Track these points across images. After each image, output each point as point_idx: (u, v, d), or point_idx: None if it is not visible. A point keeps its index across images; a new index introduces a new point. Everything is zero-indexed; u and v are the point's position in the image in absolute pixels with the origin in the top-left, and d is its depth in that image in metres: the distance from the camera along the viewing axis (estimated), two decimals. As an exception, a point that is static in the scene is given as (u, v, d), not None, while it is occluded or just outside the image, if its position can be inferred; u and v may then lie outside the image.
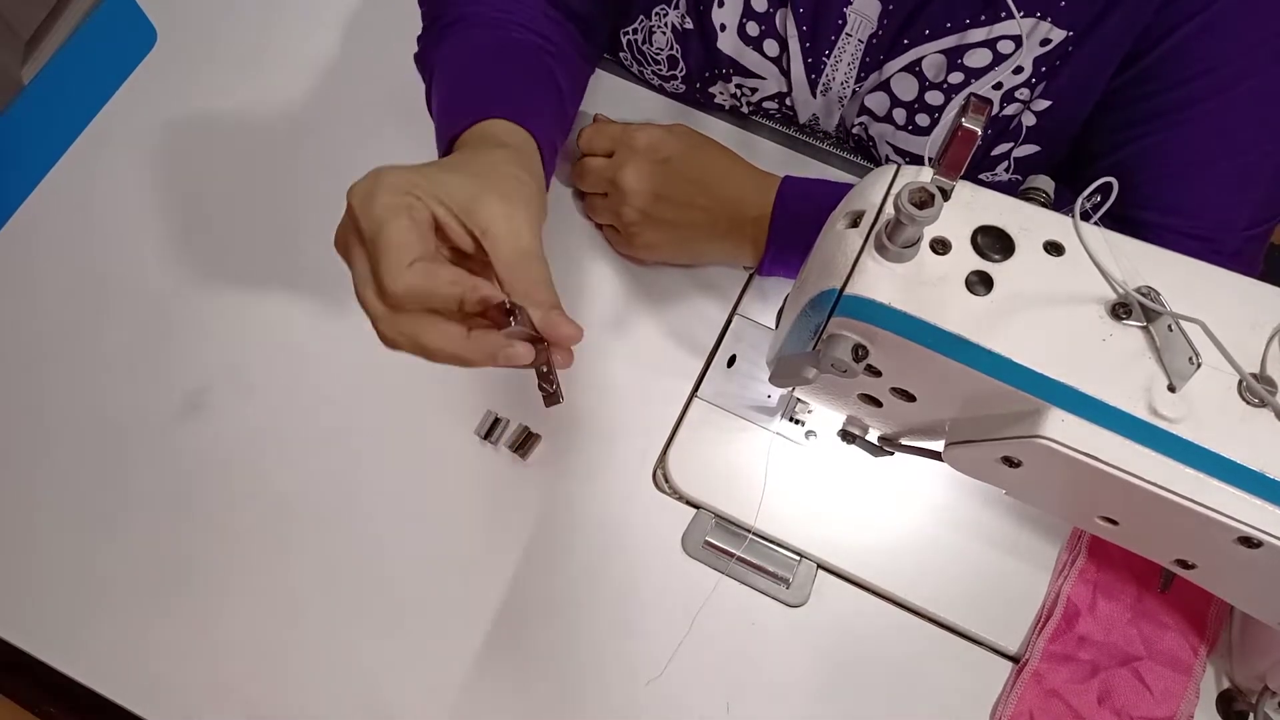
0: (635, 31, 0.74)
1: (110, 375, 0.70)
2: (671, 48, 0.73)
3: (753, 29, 0.69)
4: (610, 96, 0.77)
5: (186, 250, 0.74)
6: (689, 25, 0.71)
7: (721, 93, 0.75)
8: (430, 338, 0.48)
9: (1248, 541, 0.40)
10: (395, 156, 0.76)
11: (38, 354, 0.71)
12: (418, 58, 0.69)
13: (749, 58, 0.71)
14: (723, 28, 0.70)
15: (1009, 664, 0.63)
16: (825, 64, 0.69)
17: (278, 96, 0.78)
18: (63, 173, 0.76)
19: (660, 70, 0.76)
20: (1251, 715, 0.59)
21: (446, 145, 0.61)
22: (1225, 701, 0.61)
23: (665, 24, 0.72)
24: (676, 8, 0.71)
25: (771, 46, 0.70)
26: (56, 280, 0.73)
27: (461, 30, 0.66)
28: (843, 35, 0.67)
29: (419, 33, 0.70)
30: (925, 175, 0.43)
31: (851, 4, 0.65)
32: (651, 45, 0.74)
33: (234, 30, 0.81)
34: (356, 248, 0.49)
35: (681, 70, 0.75)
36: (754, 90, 0.74)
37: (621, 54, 0.77)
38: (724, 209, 0.67)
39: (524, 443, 0.67)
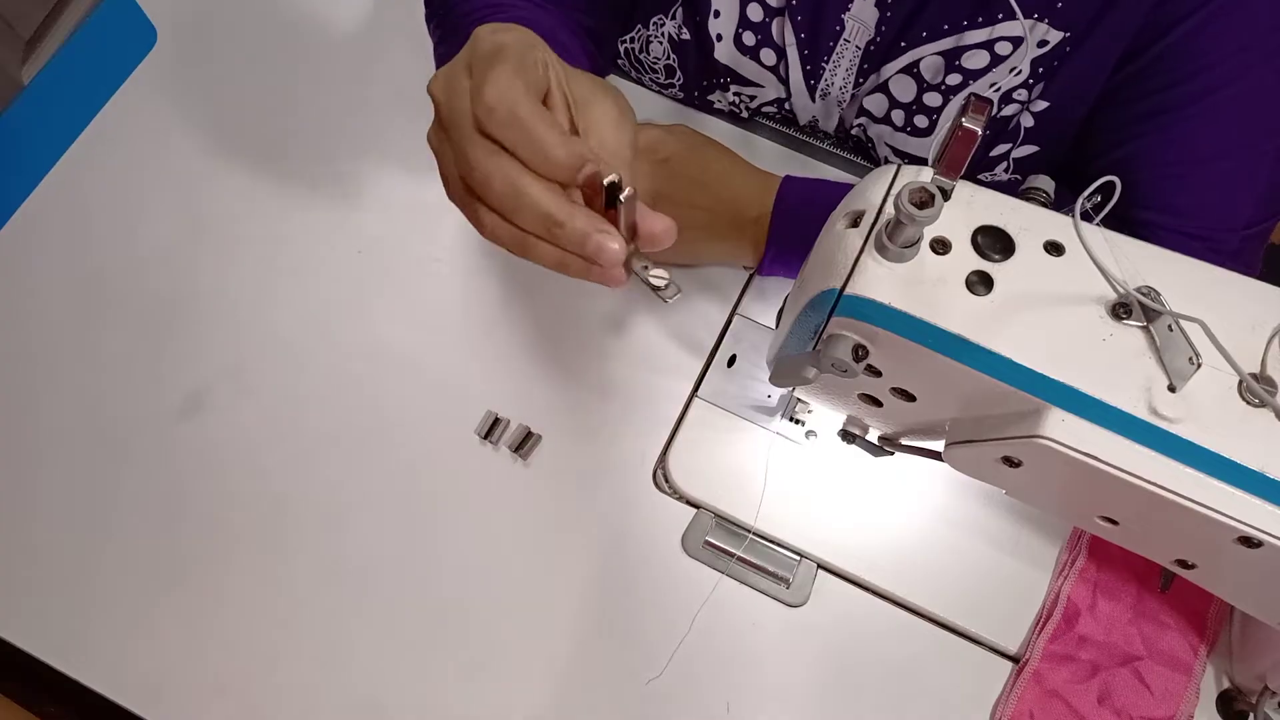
0: (632, 41, 0.74)
1: (109, 375, 0.70)
2: (668, 57, 0.73)
3: (749, 39, 0.69)
4: (610, 96, 0.77)
5: (186, 250, 0.74)
6: (686, 35, 0.71)
7: (720, 100, 0.75)
8: (528, 182, 0.42)
9: (1248, 541, 0.40)
10: (396, 156, 0.76)
11: (37, 354, 0.71)
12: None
13: (746, 67, 0.71)
14: (719, 38, 0.70)
15: (1009, 664, 0.63)
16: (824, 70, 0.69)
17: (278, 96, 0.78)
18: (63, 173, 0.76)
19: (657, 79, 0.76)
20: (1251, 715, 0.59)
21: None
22: (1225, 701, 0.61)
23: (662, 34, 0.72)
24: (673, 18, 0.71)
25: (769, 55, 0.70)
26: (56, 280, 0.73)
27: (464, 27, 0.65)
28: (840, 41, 0.67)
29: (419, 32, 0.70)
30: (925, 175, 0.43)
31: (849, 10, 0.65)
32: (648, 55, 0.74)
33: (234, 30, 0.81)
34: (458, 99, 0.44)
35: (679, 79, 0.75)
36: (752, 97, 0.74)
37: (619, 62, 0.78)
38: (724, 209, 0.66)
39: (524, 443, 0.67)
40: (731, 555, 0.64)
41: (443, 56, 0.67)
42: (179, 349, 0.71)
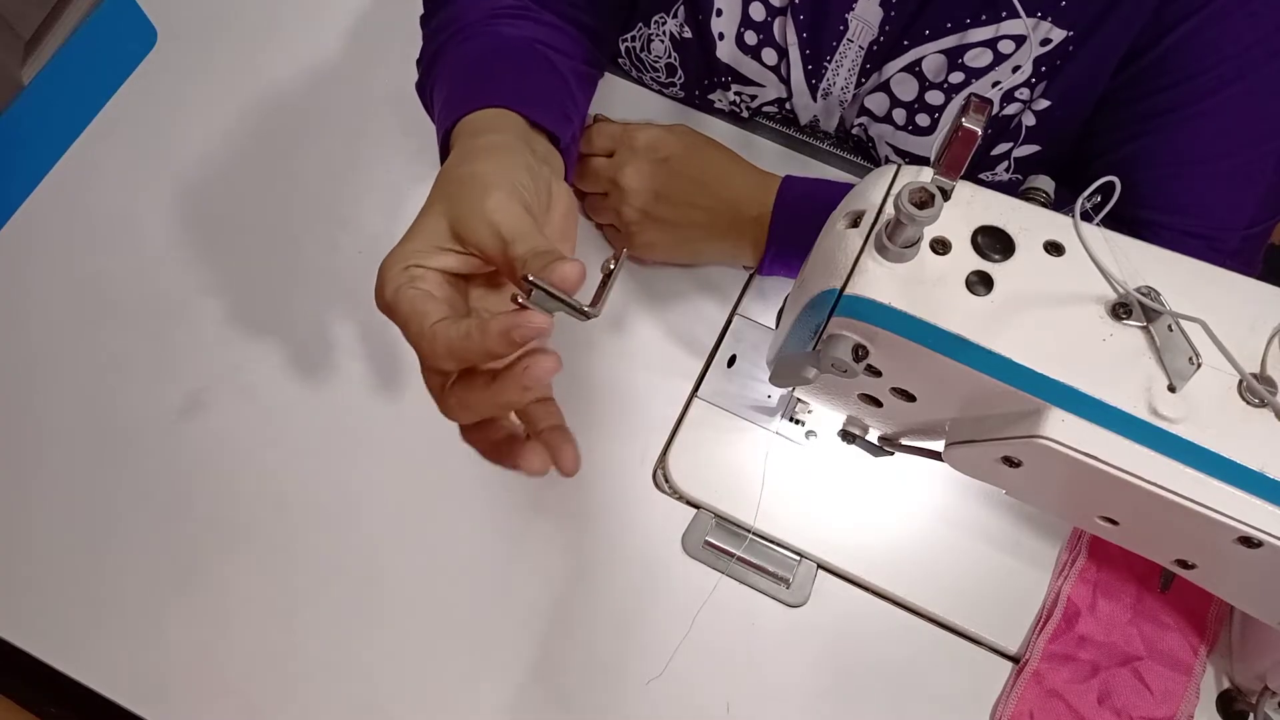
0: (634, 39, 0.74)
1: (110, 376, 0.70)
2: (670, 55, 0.73)
3: (751, 38, 0.69)
4: (611, 97, 0.77)
5: (186, 250, 0.74)
6: (687, 34, 0.71)
7: (720, 100, 0.75)
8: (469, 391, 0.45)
9: (1248, 541, 0.40)
10: (395, 156, 0.76)
11: (38, 354, 0.71)
12: (419, 80, 0.67)
13: (747, 66, 0.71)
14: (721, 36, 0.70)
15: (1009, 664, 0.63)
16: (826, 69, 0.69)
17: (278, 97, 0.78)
18: (63, 173, 0.76)
19: (658, 77, 0.76)
20: (1251, 715, 0.59)
21: (441, 146, 0.58)
22: (1225, 701, 0.61)
23: (664, 32, 0.72)
24: (675, 16, 0.71)
25: (770, 55, 0.70)
26: (56, 281, 0.73)
27: (458, 40, 0.64)
28: (844, 41, 0.67)
29: (418, 32, 0.70)
30: (925, 175, 0.43)
31: (853, 10, 0.65)
32: (650, 53, 0.74)
33: (234, 30, 0.81)
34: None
35: (680, 78, 0.75)
36: (753, 97, 0.74)
37: (620, 60, 0.77)
38: (724, 208, 0.66)
39: (524, 443, 0.67)
40: (731, 555, 0.64)
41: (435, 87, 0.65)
42: (179, 349, 0.71)
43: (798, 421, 0.67)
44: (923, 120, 0.69)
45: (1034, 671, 0.61)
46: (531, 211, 0.47)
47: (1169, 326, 0.40)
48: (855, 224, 0.45)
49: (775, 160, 0.74)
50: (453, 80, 0.60)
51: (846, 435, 0.59)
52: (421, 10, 0.69)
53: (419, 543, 0.66)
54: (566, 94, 0.63)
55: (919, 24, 0.64)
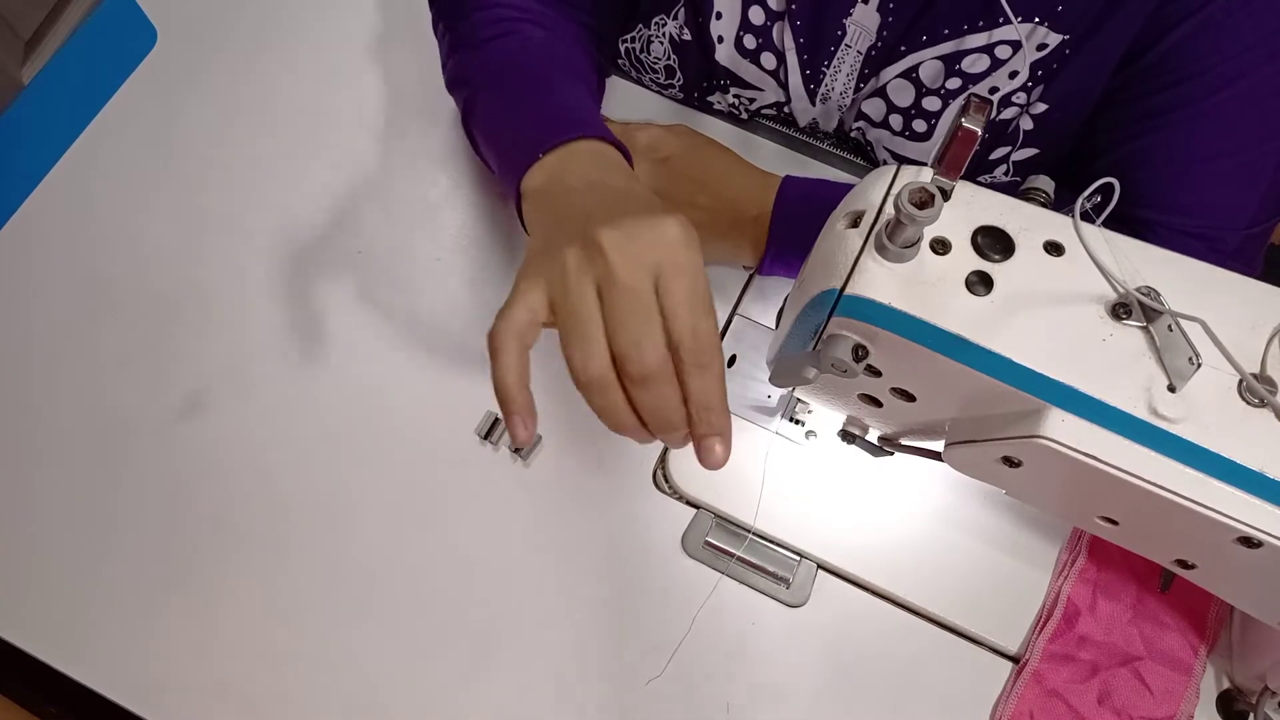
0: (633, 40, 0.74)
1: (110, 375, 0.70)
2: (669, 57, 0.73)
3: (750, 42, 0.69)
4: (611, 97, 0.77)
5: (186, 250, 0.74)
6: (687, 36, 0.71)
7: (719, 102, 0.75)
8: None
9: (1248, 541, 0.40)
10: (395, 156, 0.76)
11: (38, 354, 0.71)
12: (451, 82, 0.67)
13: (746, 70, 0.71)
14: (720, 40, 0.70)
15: (1009, 664, 0.63)
16: (824, 75, 0.69)
17: (278, 97, 0.78)
18: (63, 173, 0.76)
19: (657, 79, 0.76)
20: (1251, 715, 0.59)
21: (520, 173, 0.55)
22: (1225, 701, 0.61)
23: (663, 34, 0.72)
24: (675, 18, 0.71)
25: (769, 59, 0.70)
26: (56, 280, 0.73)
27: (492, 52, 0.63)
28: (841, 46, 0.67)
29: (419, 32, 0.70)
30: (925, 175, 0.43)
31: (851, 15, 0.65)
32: (649, 55, 0.74)
33: (234, 30, 0.81)
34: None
35: (679, 80, 0.75)
36: (752, 100, 0.74)
37: (620, 61, 0.77)
38: (724, 208, 0.66)
39: (524, 443, 0.67)
40: (731, 555, 0.64)
41: (455, 70, 0.66)
42: (179, 349, 0.71)
43: (798, 421, 0.67)
44: (920, 126, 0.69)
45: (1034, 671, 0.61)
46: None
47: (1169, 326, 0.40)
48: (855, 224, 0.45)
49: (775, 160, 0.74)
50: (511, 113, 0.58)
51: (846, 435, 0.59)
52: (426, 10, 0.69)
53: (418, 543, 0.66)
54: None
55: (916, 30, 0.64)
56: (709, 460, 0.47)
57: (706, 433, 0.47)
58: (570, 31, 0.68)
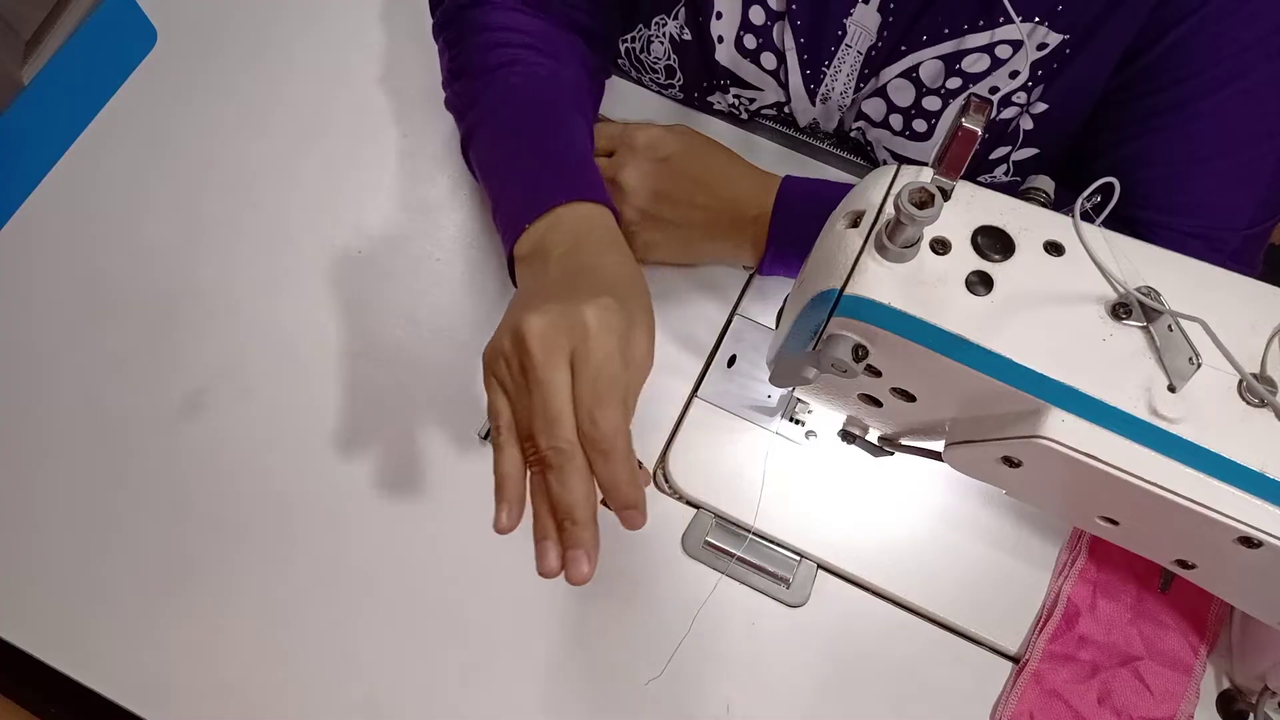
0: (633, 40, 0.74)
1: (110, 375, 0.70)
2: (669, 57, 0.73)
3: (750, 42, 0.69)
4: (611, 97, 0.77)
5: (186, 250, 0.74)
6: (687, 36, 0.71)
7: (719, 102, 0.75)
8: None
9: (1248, 541, 0.40)
10: (395, 156, 0.76)
11: (38, 354, 0.71)
12: (451, 107, 0.69)
13: (746, 70, 0.71)
14: (720, 40, 0.70)
15: (1009, 664, 0.63)
16: (824, 75, 0.69)
17: (278, 97, 0.78)
18: (63, 173, 0.76)
19: (657, 79, 0.76)
20: (1251, 715, 0.59)
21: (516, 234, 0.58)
22: (1225, 701, 0.61)
23: (663, 34, 0.72)
24: (675, 18, 0.71)
25: (769, 59, 0.70)
26: (57, 280, 0.73)
27: (497, 93, 0.64)
28: (842, 46, 0.67)
29: (419, 33, 0.70)
30: (925, 175, 0.43)
31: (851, 15, 0.65)
32: (649, 54, 0.74)
33: (234, 30, 0.81)
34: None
35: (679, 80, 0.75)
36: (752, 100, 0.74)
37: (620, 61, 0.77)
38: (724, 208, 0.66)
39: (524, 443, 0.67)
40: (731, 555, 0.64)
41: (454, 99, 0.68)
42: (180, 349, 0.71)
43: (798, 421, 0.67)
44: (920, 126, 0.69)
45: (1034, 671, 0.61)
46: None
47: (1169, 326, 0.40)
48: (855, 224, 0.45)
49: (775, 160, 0.74)
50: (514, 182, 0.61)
51: (846, 435, 0.59)
52: (428, 13, 0.69)
53: (418, 543, 0.66)
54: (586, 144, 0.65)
55: (916, 30, 0.64)
56: (628, 525, 0.52)
57: (618, 507, 0.51)
58: (570, 52, 0.68)
